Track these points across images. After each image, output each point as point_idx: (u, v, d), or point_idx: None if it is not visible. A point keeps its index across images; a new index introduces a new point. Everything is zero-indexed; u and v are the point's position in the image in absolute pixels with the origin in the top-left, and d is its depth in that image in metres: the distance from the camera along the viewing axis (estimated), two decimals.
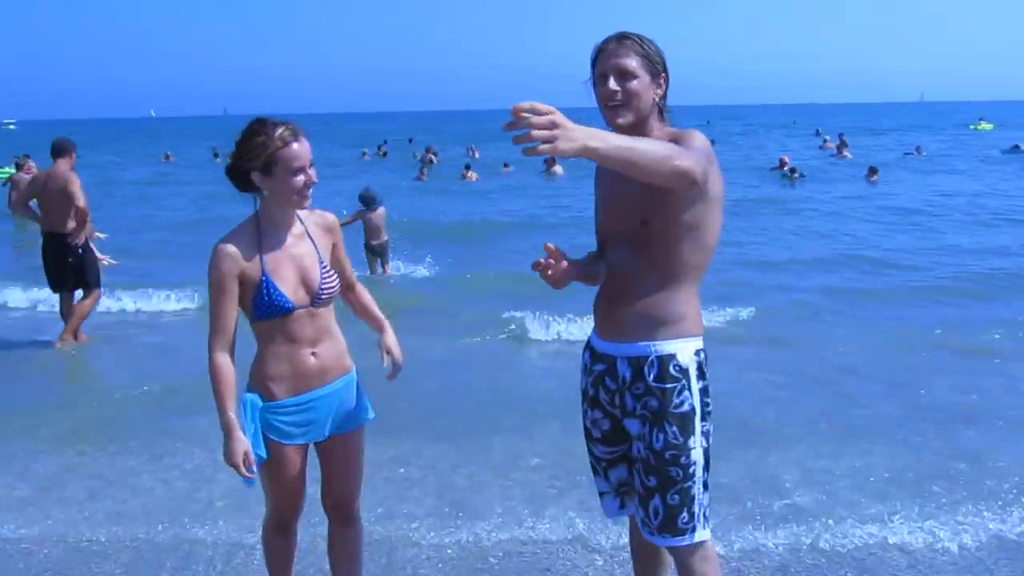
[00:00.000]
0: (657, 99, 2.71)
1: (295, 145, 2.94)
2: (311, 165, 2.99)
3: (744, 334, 8.60)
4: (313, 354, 3.07)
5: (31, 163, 19.04)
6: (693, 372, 2.71)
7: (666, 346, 2.69)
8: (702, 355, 2.75)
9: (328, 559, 3.43)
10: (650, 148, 2.33)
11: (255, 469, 3.00)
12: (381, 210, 12.00)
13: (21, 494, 5.10)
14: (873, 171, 25.72)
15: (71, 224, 8.15)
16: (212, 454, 4.92)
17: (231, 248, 2.96)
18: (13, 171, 22.67)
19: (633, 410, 2.74)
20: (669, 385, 2.68)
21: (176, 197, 25.78)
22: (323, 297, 3.06)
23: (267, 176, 2.95)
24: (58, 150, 8.28)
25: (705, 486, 2.74)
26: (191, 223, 18.41)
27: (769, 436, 5.78)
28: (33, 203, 8.66)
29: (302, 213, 3.12)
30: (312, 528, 3.97)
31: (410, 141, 51.73)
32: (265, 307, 2.98)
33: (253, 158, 2.94)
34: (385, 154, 42.20)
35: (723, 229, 2.74)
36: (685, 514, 2.70)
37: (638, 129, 2.65)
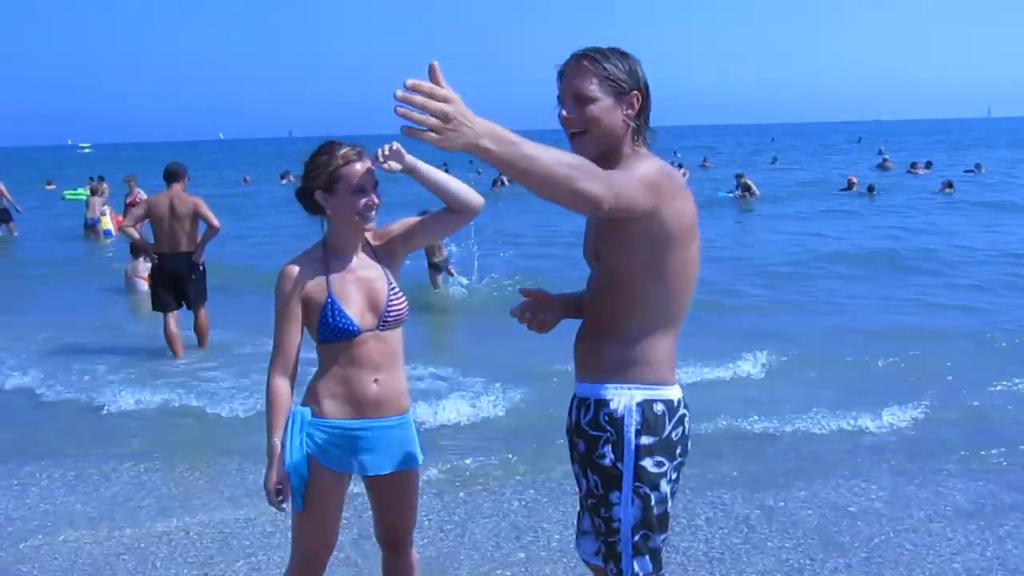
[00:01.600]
0: (628, 121, 2.45)
1: (357, 165, 2.93)
2: (375, 187, 2.95)
3: None
4: (375, 381, 2.99)
5: (138, 189, 19.53)
6: (630, 424, 2.44)
7: (603, 391, 2.47)
8: (658, 407, 2.46)
9: None
10: (553, 163, 2.05)
11: (293, 501, 2.97)
12: None
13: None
14: (948, 184, 26.44)
15: (188, 243, 8.64)
16: None
17: (296, 270, 2.96)
18: (87, 193, 23.36)
19: (574, 449, 2.59)
20: (593, 433, 2.48)
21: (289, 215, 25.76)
22: (389, 320, 2.99)
23: (329, 194, 2.94)
24: (173, 174, 8.74)
25: (640, 550, 2.47)
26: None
27: None
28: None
29: (370, 235, 3.07)
30: None
31: (470, 162, 51.92)
32: (330, 330, 2.93)
33: (316, 176, 2.95)
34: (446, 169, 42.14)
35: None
36: (613, 567, 2.50)
37: (607, 157, 2.42)
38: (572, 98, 2.43)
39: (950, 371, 7.79)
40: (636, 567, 2.47)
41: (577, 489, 2.65)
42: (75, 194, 34.39)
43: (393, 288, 3.03)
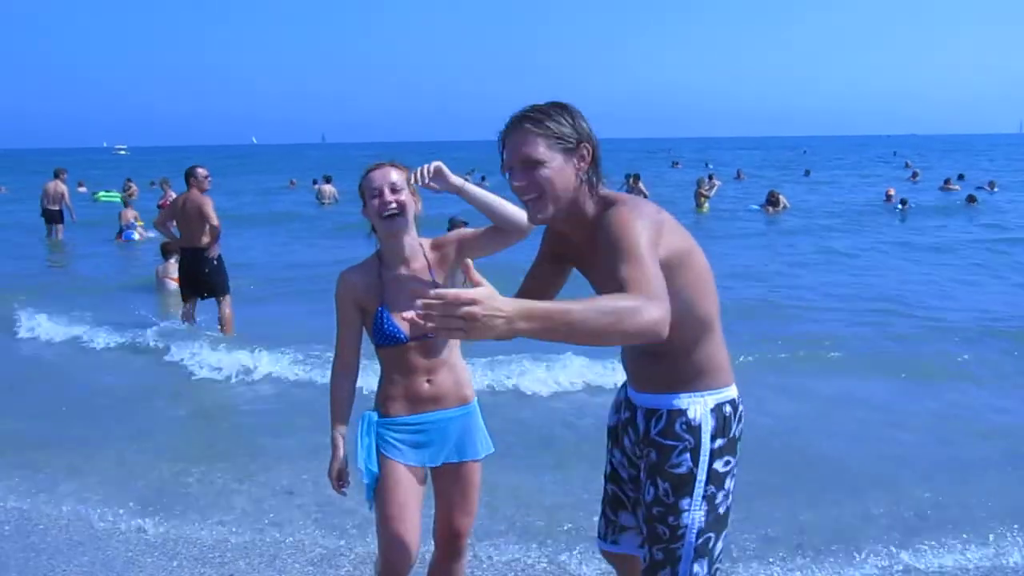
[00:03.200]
0: (581, 174, 2.43)
1: (373, 172, 3.11)
2: (394, 190, 3.06)
3: None
4: (428, 381, 3.14)
5: (172, 192, 19.92)
6: (707, 431, 2.52)
7: (677, 401, 2.54)
8: (727, 409, 2.56)
9: None
10: (593, 318, 1.96)
11: (368, 496, 3.16)
12: None
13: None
14: (971, 199, 26.81)
15: (205, 239, 9.40)
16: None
17: (350, 277, 3.17)
18: (121, 196, 23.64)
19: (637, 456, 2.68)
20: (669, 442, 2.53)
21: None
22: (433, 335, 3.04)
23: (365, 207, 3.15)
24: (188, 176, 9.57)
25: (701, 553, 2.53)
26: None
27: None
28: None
29: (425, 244, 3.18)
30: None
31: (472, 171, 51.82)
32: (381, 336, 3.10)
33: (360, 194, 3.17)
34: (483, 179, 42.01)
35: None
36: (667, 571, 2.54)
37: (572, 214, 2.45)
38: (521, 165, 2.40)
39: None
40: (695, 568, 2.54)
41: (611, 484, 2.81)
42: (109, 196, 34.80)
43: None
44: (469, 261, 1.97)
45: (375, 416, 3.18)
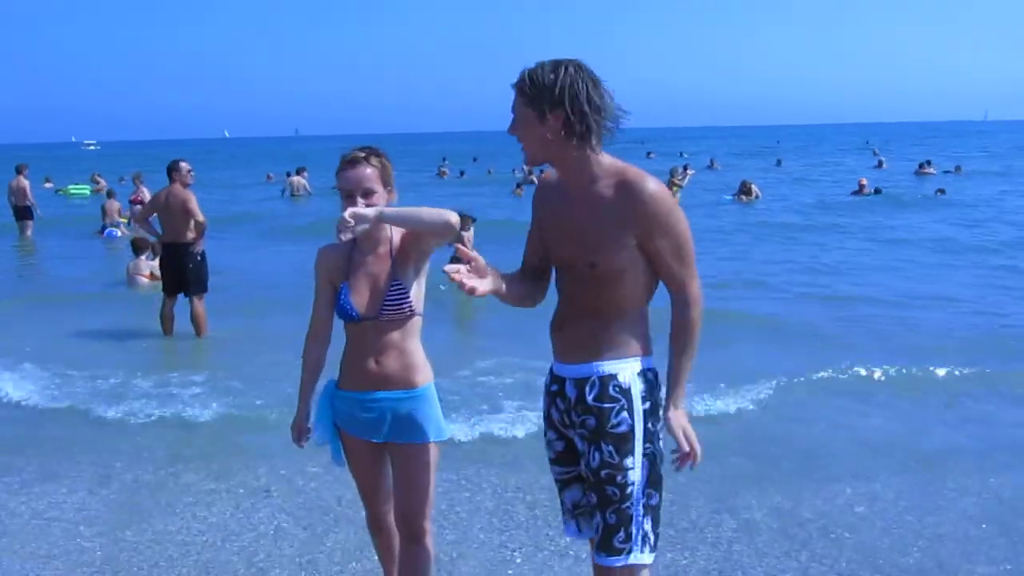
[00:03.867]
0: (561, 134, 2.66)
1: (351, 170, 3.19)
2: (365, 194, 3.16)
3: None
4: (376, 362, 3.26)
5: (144, 188, 19.85)
6: (636, 392, 2.74)
7: (607, 366, 2.74)
8: (650, 375, 2.79)
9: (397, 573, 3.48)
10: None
11: (334, 457, 3.47)
12: (470, 232, 11.83)
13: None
14: (940, 191, 26.97)
15: (190, 235, 9.37)
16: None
17: (325, 253, 3.37)
18: (90, 189, 23.57)
19: (574, 426, 2.81)
20: (607, 405, 2.73)
21: None
22: (383, 316, 3.22)
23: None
24: (171, 171, 9.52)
25: (648, 509, 2.75)
26: None
27: None
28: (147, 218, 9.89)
29: (395, 232, 3.29)
30: None
31: (475, 160, 52.06)
32: (339, 311, 3.30)
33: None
34: (461, 174, 42.15)
35: None
36: (622, 533, 2.72)
37: (556, 166, 2.78)
38: (512, 122, 2.73)
39: None
40: (646, 526, 2.74)
41: (559, 468, 2.95)
42: (79, 189, 34.45)
43: (396, 284, 3.23)
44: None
45: (332, 385, 3.41)
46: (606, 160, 2.74)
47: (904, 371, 7.79)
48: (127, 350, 9.36)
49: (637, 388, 2.74)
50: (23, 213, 20.69)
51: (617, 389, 2.72)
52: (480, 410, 6.76)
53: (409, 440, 3.28)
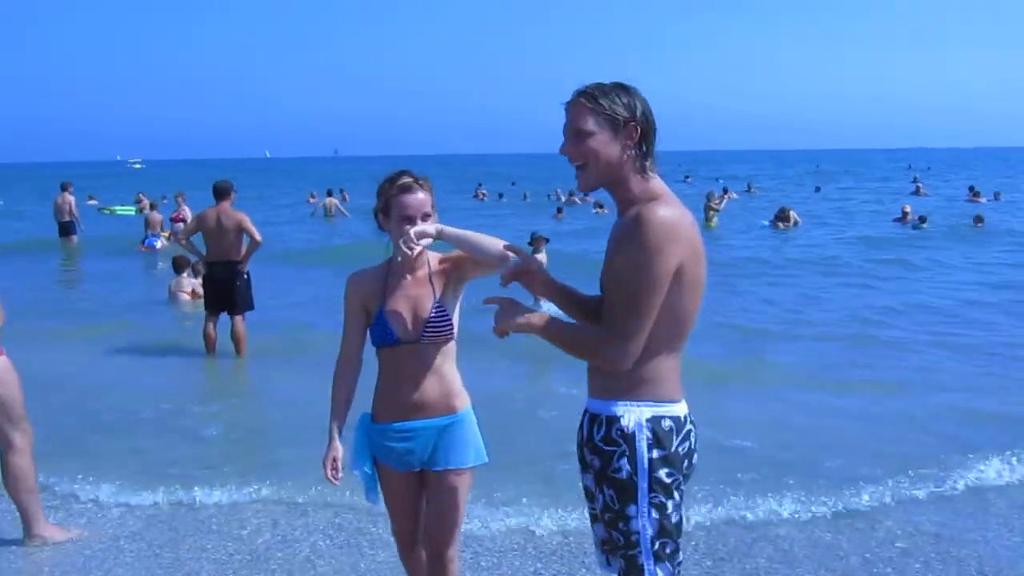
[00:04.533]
0: (628, 153, 2.56)
1: (409, 196, 3.19)
2: (424, 218, 3.19)
3: None
4: (415, 387, 3.24)
5: (185, 207, 20.53)
6: (641, 440, 2.55)
7: (615, 408, 2.60)
8: (665, 423, 2.58)
9: None
10: (563, 341, 2.61)
11: (369, 495, 3.39)
12: (543, 254, 11.91)
13: None
14: (979, 219, 25.18)
15: (240, 253, 9.47)
16: None
17: (357, 278, 3.35)
18: (135, 209, 24.31)
19: (588, 465, 2.70)
20: (608, 448, 2.59)
21: None
22: (425, 337, 3.23)
23: (386, 218, 3.26)
24: (221, 192, 9.58)
25: (659, 558, 2.57)
26: None
27: None
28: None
29: (432, 258, 3.32)
30: None
31: (513, 184, 52.13)
32: (377, 336, 3.25)
33: (380, 199, 3.27)
34: (500, 196, 42.14)
35: None
36: None
37: (615, 186, 2.61)
38: (572, 134, 2.59)
39: None
40: (659, 572, 2.57)
41: (588, 503, 2.76)
42: (124, 209, 35.05)
43: (439, 307, 3.25)
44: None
45: (368, 419, 3.35)
46: (657, 185, 2.61)
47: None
48: (170, 369, 9.48)
49: (643, 435, 2.55)
50: (67, 229, 21.42)
51: (619, 433, 2.57)
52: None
53: (449, 466, 3.28)
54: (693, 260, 2.53)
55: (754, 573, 4.51)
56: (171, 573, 4.57)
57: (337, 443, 3.30)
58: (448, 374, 3.30)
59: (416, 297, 3.26)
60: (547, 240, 12.36)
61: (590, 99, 2.56)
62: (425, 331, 3.22)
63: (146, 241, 21.18)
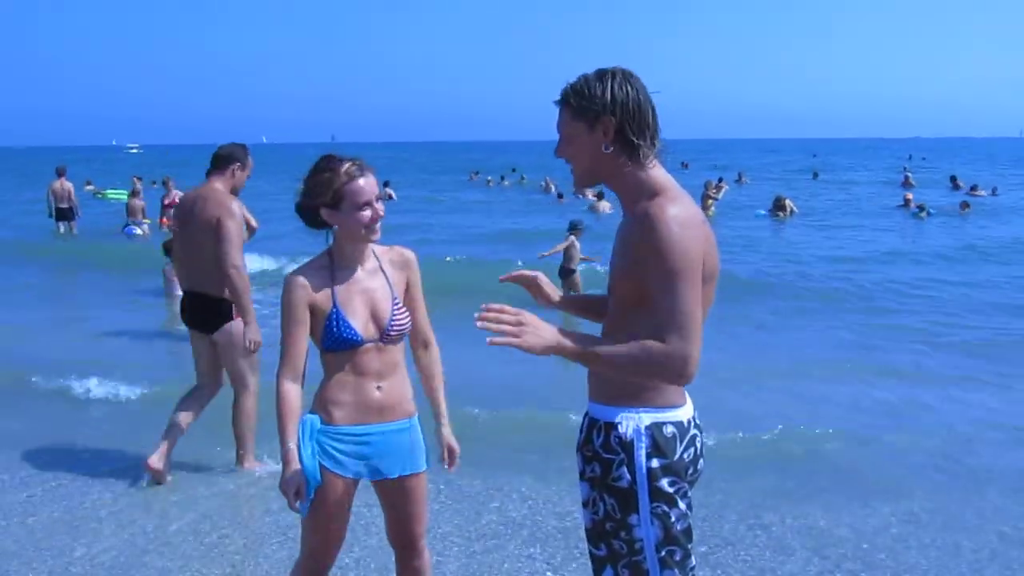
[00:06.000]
0: (607, 144, 2.44)
1: (361, 180, 3.01)
2: (377, 199, 3.04)
3: None
4: (378, 388, 3.09)
5: (176, 191, 20.46)
6: (640, 448, 2.43)
7: (613, 413, 2.48)
8: (667, 430, 2.45)
9: None
10: (627, 360, 2.31)
11: (307, 502, 3.04)
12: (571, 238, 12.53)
13: None
14: (965, 205, 26.46)
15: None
16: None
17: (302, 279, 3.04)
18: (128, 192, 24.29)
19: (583, 472, 2.57)
20: (607, 456, 2.47)
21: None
22: (392, 333, 3.09)
23: (335, 211, 3.02)
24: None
25: (666, 564, 2.46)
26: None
27: None
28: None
29: (378, 249, 3.18)
30: None
31: (513, 170, 52.19)
32: (334, 339, 3.02)
33: (320, 193, 3.02)
34: (502, 179, 43.17)
35: None
36: None
37: (608, 184, 2.51)
38: (560, 140, 2.52)
39: None
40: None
41: (584, 512, 2.60)
42: (117, 193, 34.90)
43: (397, 302, 3.13)
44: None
45: (317, 422, 3.07)
46: (657, 177, 2.46)
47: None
48: (169, 353, 9.47)
49: (642, 444, 2.43)
50: (64, 214, 21.22)
51: (617, 441, 2.45)
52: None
53: (414, 471, 3.20)
54: (709, 255, 2.42)
55: (747, 560, 4.53)
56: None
57: (297, 466, 2.98)
58: (405, 373, 3.18)
59: (372, 290, 3.09)
60: (581, 229, 12.65)
61: (564, 98, 2.48)
62: (391, 327, 3.08)
63: (125, 229, 21.01)
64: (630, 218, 2.45)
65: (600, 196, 25.96)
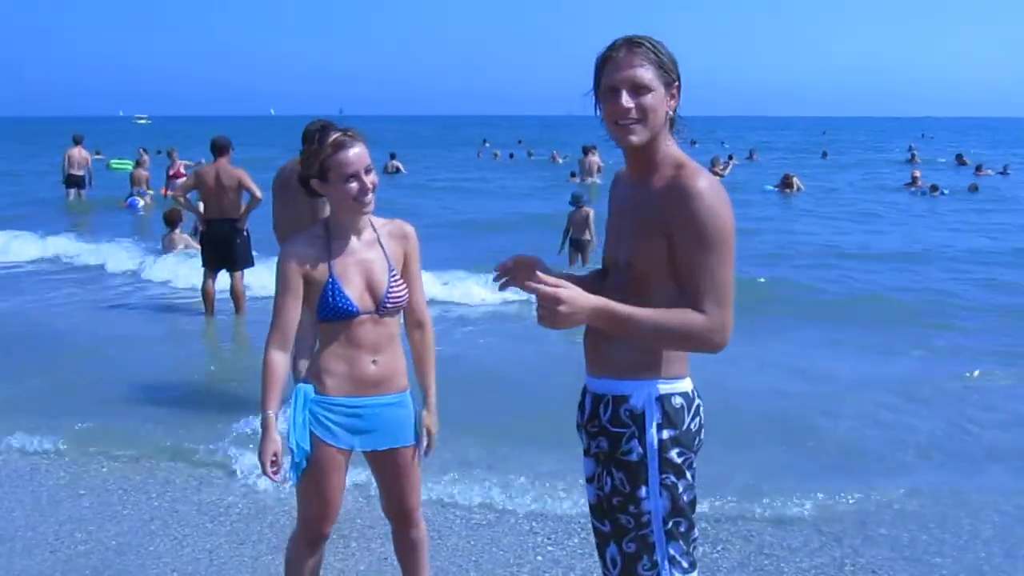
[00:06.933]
0: (670, 112, 2.42)
1: (349, 151, 2.94)
2: (368, 171, 2.97)
3: None
4: (374, 362, 3.07)
5: (180, 161, 20.73)
6: (652, 418, 2.42)
7: (622, 387, 2.46)
8: (676, 400, 2.45)
9: (395, 553, 3.44)
10: (666, 329, 2.28)
11: (293, 472, 3.04)
12: (584, 210, 12.62)
13: None
14: (973, 187, 26.40)
15: (240, 210, 9.34)
16: None
17: (299, 248, 3.03)
18: (134, 163, 24.52)
19: (588, 448, 2.56)
20: (617, 429, 2.45)
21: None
22: (388, 305, 3.05)
23: (324, 183, 2.99)
24: (220, 148, 9.39)
25: (672, 536, 2.45)
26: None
27: None
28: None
29: (376, 221, 3.14)
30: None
31: (520, 142, 52.21)
32: (329, 309, 3.00)
33: (309, 165, 2.99)
34: (511, 156, 42.92)
35: None
36: (646, 560, 2.46)
37: (648, 147, 2.41)
38: (630, 86, 2.36)
39: None
40: (671, 551, 2.46)
41: (589, 488, 2.59)
42: (121, 164, 34.87)
43: (394, 274, 3.09)
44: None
45: (311, 391, 3.06)
46: (673, 150, 2.45)
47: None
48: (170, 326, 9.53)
49: (652, 414, 2.42)
50: (76, 181, 21.67)
51: (628, 414, 2.44)
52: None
53: (406, 443, 3.19)
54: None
55: (747, 535, 4.54)
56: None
57: (276, 434, 2.98)
58: (400, 346, 3.15)
59: (369, 262, 3.06)
60: (583, 201, 12.69)
61: (650, 49, 2.37)
62: (387, 299, 3.05)
63: (128, 200, 21.15)
64: (647, 189, 2.41)
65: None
